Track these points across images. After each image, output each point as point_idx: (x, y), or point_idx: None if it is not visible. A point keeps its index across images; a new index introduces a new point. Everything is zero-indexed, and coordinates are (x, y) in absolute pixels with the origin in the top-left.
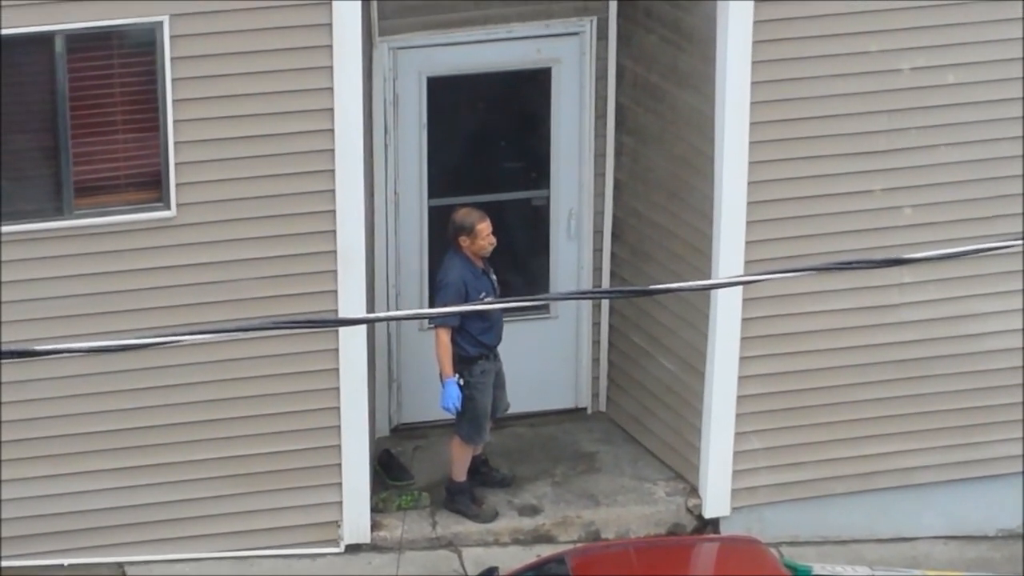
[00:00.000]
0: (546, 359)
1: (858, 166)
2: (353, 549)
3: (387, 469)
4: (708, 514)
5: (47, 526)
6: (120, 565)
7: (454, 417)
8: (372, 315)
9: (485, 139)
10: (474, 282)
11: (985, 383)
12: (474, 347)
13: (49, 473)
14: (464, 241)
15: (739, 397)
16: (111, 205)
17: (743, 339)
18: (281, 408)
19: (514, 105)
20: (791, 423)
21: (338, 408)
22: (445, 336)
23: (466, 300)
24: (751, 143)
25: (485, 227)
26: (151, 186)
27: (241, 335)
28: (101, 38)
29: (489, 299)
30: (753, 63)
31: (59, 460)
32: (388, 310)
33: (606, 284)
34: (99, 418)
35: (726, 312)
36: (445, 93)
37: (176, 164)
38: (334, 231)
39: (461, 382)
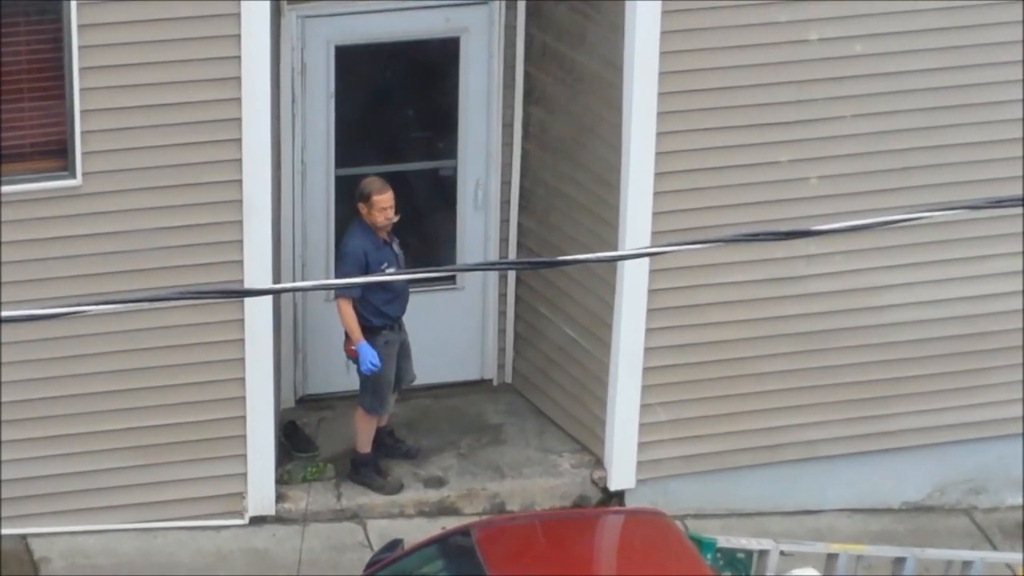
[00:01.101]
0: (452, 330)
1: (765, 137)
2: (257, 521)
3: (292, 440)
4: (613, 486)
5: None
6: (23, 537)
7: (359, 386)
8: (278, 286)
9: (393, 109)
10: (375, 252)
11: (890, 355)
12: (377, 318)
13: None
14: (362, 209)
15: (644, 369)
16: (16, 174)
17: (649, 311)
18: (186, 379)
19: (422, 75)
20: (696, 395)
21: (243, 379)
22: (347, 306)
23: (367, 270)
24: (658, 114)
25: (382, 199)
26: (57, 155)
27: (146, 305)
28: (7, 5)
29: (392, 270)
30: (661, 33)
31: None
32: (294, 280)
33: (513, 255)
34: (2, 389)
35: (632, 283)
36: (353, 62)
37: (82, 133)
38: (240, 201)
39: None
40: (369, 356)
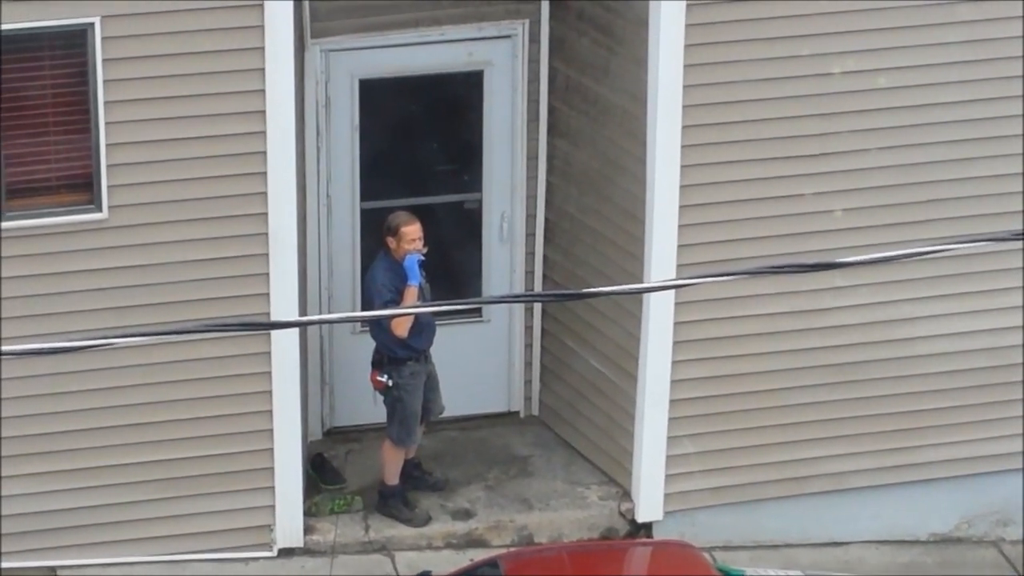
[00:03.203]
0: (478, 362)
1: (790, 170)
2: (286, 553)
3: (320, 473)
4: (641, 518)
5: None
6: (52, 569)
7: (387, 418)
8: (304, 318)
9: (417, 142)
10: (401, 285)
11: (917, 387)
12: (403, 350)
13: None
14: (391, 243)
15: (671, 401)
16: (43, 207)
17: (675, 343)
18: (213, 411)
19: (446, 108)
20: (723, 427)
21: (270, 411)
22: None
23: (395, 292)
24: (682, 146)
25: (411, 230)
26: (83, 188)
27: (173, 338)
28: (33, 39)
29: (419, 303)
30: (684, 66)
31: None
32: (320, 313)
33: (538, 287)
34: (30, 421)
35: (658, 315)
36: (377, 96)
37: (108, 166)
38: (266, 234)
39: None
40: (415, 266)
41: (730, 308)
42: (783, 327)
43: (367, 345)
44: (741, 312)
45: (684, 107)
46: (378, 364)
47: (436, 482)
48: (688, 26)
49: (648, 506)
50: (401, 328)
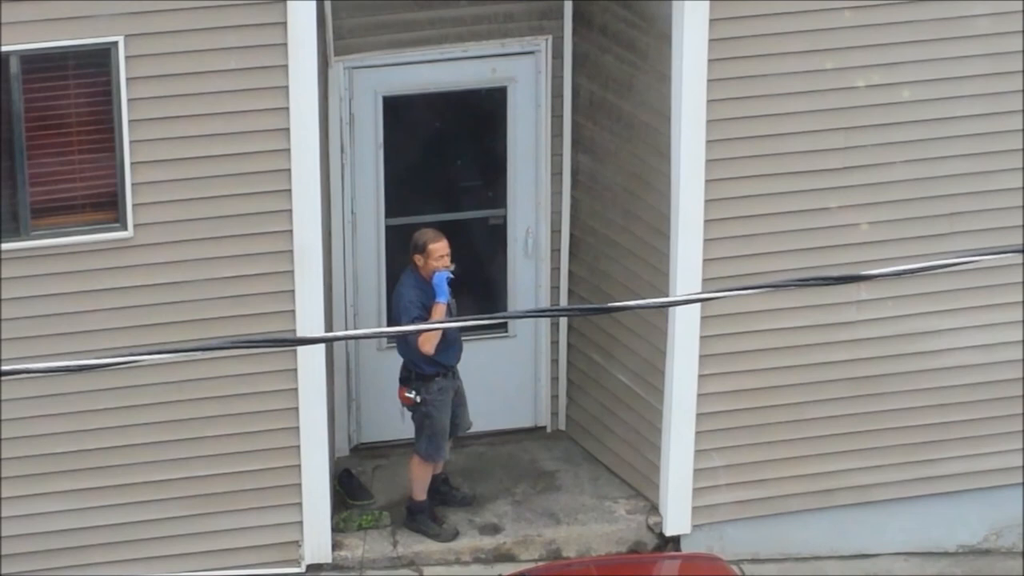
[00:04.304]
0: (505, 378)
1: (814, 184)
2: (314, 569)
3: (347, 489)
4: (669, 532)
5: (3, 547)
6: None
7: (414, 434)
8: (330, 334)
9: (441, 158)
10: (429, 302)
11: (942, 400)
12: (430, 366)
13: (4, 495)
14: (418, 260)
15: (698, 415)
16: (68, 226)
17: (701, 357)
18: (240, 428)
19: (470, 124)
20: (751, 440)
21: (297, 428)
22: (440, 309)
23: (423, 308)
24: (707, 161)
25: (438, 247)
26: (108, 206)
27: (199, 355)
28: (56, 59)
29: (446, 318)
30: (708, 81)
31: (15, 482)
32: (346, 329)
33: (563, 303)
34: (57, 439)
35: (684, 330)
36: (401, 112)
37: (132, 184)
38: (291, 251)
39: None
40: (443, 283)
41: (756, 322)
42: (808, 340)
43: (393, 361)
44: (767, 325)
45: (708, 122)
46: (406, 381)
47: (464, 497)
48: (712, 41)
49: (676, 519)
50: (428, 345)
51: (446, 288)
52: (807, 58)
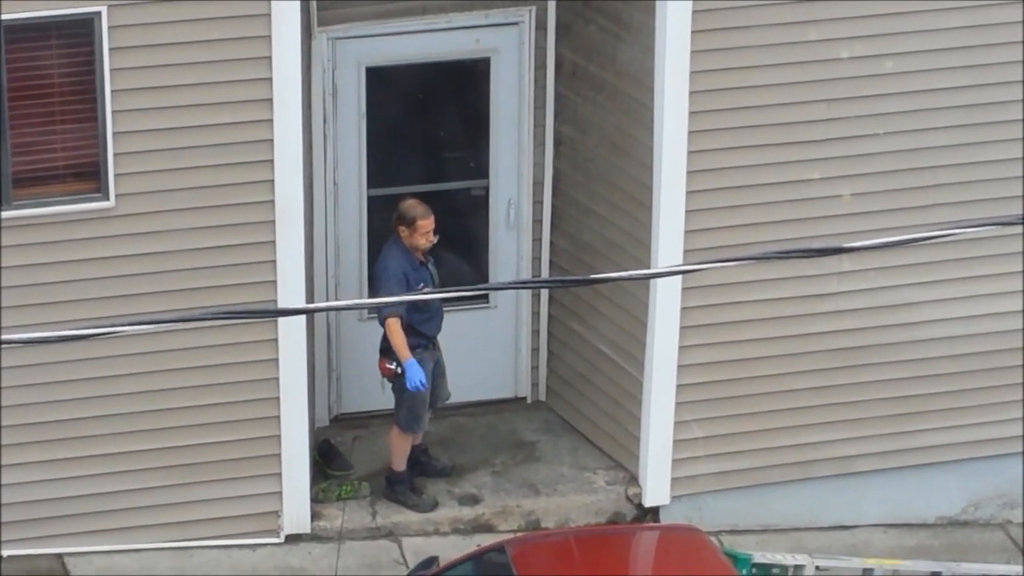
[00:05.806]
0: (486, 349)
1: (797, 155)
2: (293, 539)
3: (327, 459)
4: (648, 503)
5: None
6: (59, 556)
7: (394, 404)
8: (311, 305)
9: (424, 129)
10: (413, 273)
11: (922, 371)
12: (412, 337)
13: None
14: (403, 231)
15: (678, 386)
16: (50, 196)
17: (682, 328)
18: (220, 398)
19: (453, 95)
20: (730, 412)
21: (278, 398)
22: (396, 325)
23: (408, 290)
24: (690, 132)
25: (426, 224)
26: (90, 177)
27: (180, 325)
28: (39, 29)
29: (427, 289)
30: (692, 52)
31: None
32: (327, 300)
33: (545, 274)
34: (37, 409)
35: (665, 301)
36: (384, 83)
37: (115, 155)
38: (273, 221)
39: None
40: (417, 375)
41: (737, 293)
42: (790, 312)
43: (374, 332)
44: (748, 297)
45: (691, 93)
46: (386, 352)
47: (443, 468)
48: (695, 12)
49: (655, 491)
50: (394, 332)
51: (417, 375)
52: (790, 29)
